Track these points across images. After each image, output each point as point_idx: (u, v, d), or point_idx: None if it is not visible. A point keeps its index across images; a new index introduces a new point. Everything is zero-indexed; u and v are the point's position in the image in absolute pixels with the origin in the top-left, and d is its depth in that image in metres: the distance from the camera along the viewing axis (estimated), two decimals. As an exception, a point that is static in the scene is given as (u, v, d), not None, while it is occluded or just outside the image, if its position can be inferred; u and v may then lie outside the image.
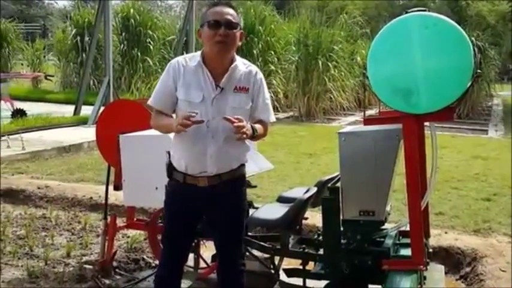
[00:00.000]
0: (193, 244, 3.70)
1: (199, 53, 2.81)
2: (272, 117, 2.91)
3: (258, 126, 2.79)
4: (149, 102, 2.86)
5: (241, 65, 2.82)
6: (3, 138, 8.80)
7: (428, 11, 2.96)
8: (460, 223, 5.22)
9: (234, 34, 2.71)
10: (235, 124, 2.57)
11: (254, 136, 2.73)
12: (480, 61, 14.28)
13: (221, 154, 2.73)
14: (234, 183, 2.85)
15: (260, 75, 2.86)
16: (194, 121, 2.58)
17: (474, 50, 2.80)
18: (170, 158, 2.87)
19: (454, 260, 4.47)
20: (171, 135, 3.43)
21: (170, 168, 2.85)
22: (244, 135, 2.62)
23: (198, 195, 2.80)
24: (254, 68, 2.86)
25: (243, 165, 2.89)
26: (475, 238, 4.80)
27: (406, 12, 2.96)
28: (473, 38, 14.06)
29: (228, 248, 2.94)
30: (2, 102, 10.51)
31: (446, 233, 4.88)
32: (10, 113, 10.91)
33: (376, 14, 30.03)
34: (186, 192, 2.82)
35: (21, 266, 4.16)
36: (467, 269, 4.32)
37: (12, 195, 6.12)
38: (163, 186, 3.32)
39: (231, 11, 2.74)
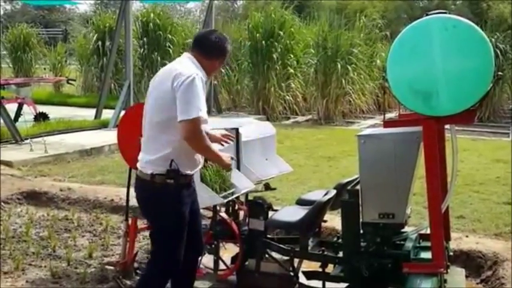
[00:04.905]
0: (213, 246, 3.72)
1: None
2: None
3: None
4: (201, 114, 2.90)
5: None
6: (26, 141, 8.95)
7: (449, 13, 2.95)
8: (481, 227, 5.18)
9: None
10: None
11: None
12: (502, 63, 14.11)
13: None
14: None
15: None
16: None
17: (494, 51, 2.78)
18: (175, 164, 2.99)
19: (475, 264, 4.44)
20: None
21: (176, 172, 3.01)
22: None
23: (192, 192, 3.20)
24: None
25: None
26: (496, 242, 4.76)
27: (426, 15, 2.96)
28: (493, 39, 13.87)
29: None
30: (25, 106, 10.66)
31: (467, 236, 4.84)
32: (33, 116, 11.05)
33: (395, 17, 29.78)
34: (189, 191, 3.15)
35: (45, 266, 4.24)
36: (488, 273, 4.28)
37: (35, 197, 6.23)
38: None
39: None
